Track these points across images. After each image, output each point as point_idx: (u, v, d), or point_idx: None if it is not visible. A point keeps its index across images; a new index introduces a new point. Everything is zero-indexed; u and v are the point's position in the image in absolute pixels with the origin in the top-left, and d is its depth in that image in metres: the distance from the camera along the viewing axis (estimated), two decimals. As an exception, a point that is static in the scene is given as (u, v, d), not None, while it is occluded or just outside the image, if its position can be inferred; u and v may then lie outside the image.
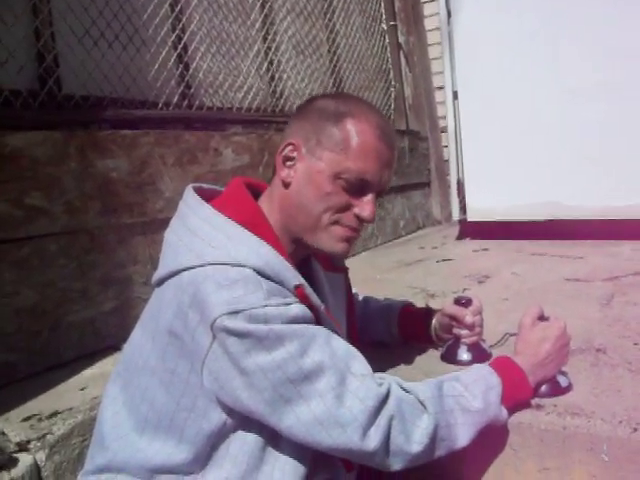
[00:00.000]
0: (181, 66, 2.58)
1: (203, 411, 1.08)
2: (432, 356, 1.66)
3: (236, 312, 1.02)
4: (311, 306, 1.14)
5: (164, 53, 2.45)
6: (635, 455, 1.20)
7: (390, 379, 1.14)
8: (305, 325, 1.08)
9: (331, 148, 1.21)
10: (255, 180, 1.36)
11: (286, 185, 1.24)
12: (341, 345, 1.12)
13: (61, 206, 1.88)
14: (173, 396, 1.09)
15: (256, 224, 1.18)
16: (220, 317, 1.02)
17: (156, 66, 2.40)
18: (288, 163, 1.24)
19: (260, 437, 1.10)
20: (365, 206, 1.23)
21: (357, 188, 1.22)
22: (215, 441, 1.10)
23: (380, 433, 1.06)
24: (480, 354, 1.60)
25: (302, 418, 1.04)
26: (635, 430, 1.21)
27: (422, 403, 1.12)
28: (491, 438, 1.28)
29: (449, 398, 1.16)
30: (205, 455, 1.10)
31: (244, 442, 1.10)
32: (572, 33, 3.27)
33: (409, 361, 1.66)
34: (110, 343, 1.98)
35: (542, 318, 1.41)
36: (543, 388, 1.34)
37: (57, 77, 2.05)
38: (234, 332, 1.02)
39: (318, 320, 1.15)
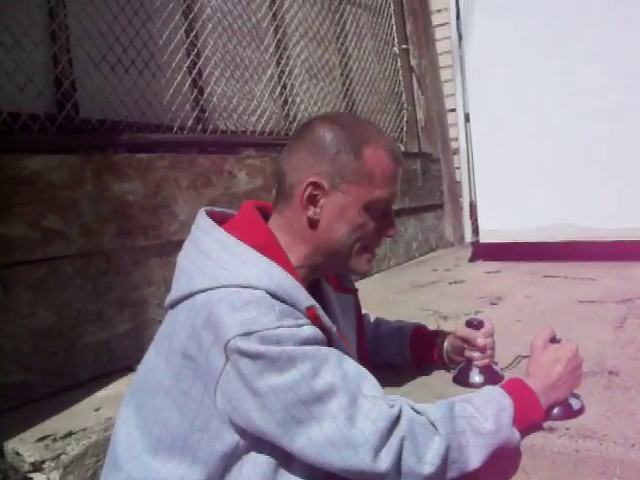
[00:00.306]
0: (196, 90, 2.62)
1: (216, 432, 1.09)
2: (444, 378, 1.66)
3: (249, 333, 1.03)
4: (322, 327, 1.15)
5: (179, 78, 2.49)
6: (648, 478, 1.20)
7: (401, 400, 1.15)
8: (317, 347, 1.09)
9: (356, 181, 1.24)
10: (266, 203, 1.37)
11: (314, 223, 1.25)
12: (352, 366, 1.13)
13: (77, 228, 1.91)
14: (187, 417, 1.10)
15: (268, 247, 1.20)
16: (234, 338, 1.03)
17: (171, 91, 2.44)
18: (312, 201, 1.25)
19: (272, 458, 1.11)
20: (392, 226, 1.32)
21: (384, 212, 1.28)
22: (228, 462, 1.10)
23: (392, 454, 1.06)
24: (492, 376, 1.60)
25: (314, 439, 1.04)
26: (648, 453, 1.21)
27: (433, 424, 1.12)
28: (503, 461, 1.28)
29: (461, 419, 1.16)
30: (218, 476, 1.11)
31: (256, 464, 1.10)
32: (585, 55, 3.29)
33: (421, 383, 1.66)
34: (125, 364, 2.00)
35: (554, 340, 1.41)
36: (555, 410, 1.34)
37: (74, 101, 2.10)
38: (247, 353, 1.03)
39: (330, 341, 1.16)
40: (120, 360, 2.01)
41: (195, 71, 2.61)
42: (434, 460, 1.09)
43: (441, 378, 1.67)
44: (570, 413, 1.37)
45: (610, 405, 1.43)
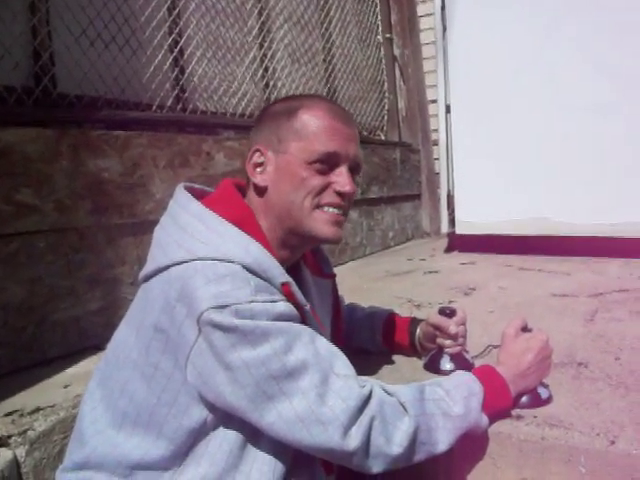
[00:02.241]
0: (177, 70, 2.59)
1: (184, 407, 1.09)
2: (415, 365, 1.67)
3: (223, 306, 1.03)
4: (297, 305, 1.15)
5: (160, 56, 2.46)
6: (612, 467, 1.21)
7: (372, 381, 1.15)
8: (290, 323, 1.09)
9: (293, 139, 1.24)
10: (245, 182, 1.37)
11: (263, 189, 1.26)
12: (325, 345, 1.13)
13: (51, 204, 1.88)
14: (154, 391, 1.10)
15: (246, 223, 1.20)
16: (207, 310, 1.02)
17: (152, 69, 2.41)
18: (258, 169, 1.26)
19: (240, 435, 1.11)
20: (340, 179, 1.26)
21: (329, 166, 1.25)
22: (194, 438, 1.10)
23: (361, 433, 1.06)
24: (463, 364, 1.61)
25: (284, 415, 1.04)
26: (612, 443, 1.22)
27: (403, 405, 1.13)
28: (470, 446, 1.29)
29: (430, 402, 1.16)
30: (183, 452, 1.11)
31: (223, 440, 1.10)
32: (567, 49, 3.31)
33: (392, 369, 1.67)
34: (95, 342, 1.98)
35: (525, 330, 1.42)
36: (524, 399, 1.36)
37: (52, 75, 2.06)
38: (220, 326, 1.02)
39: (303, 319, 1.16)
40: (90, 338, 1.99)
41: (177, 50, 2.58)
42: (402, 441, 1.10)
43: (412, 364, 1.68)
44: (538, 402, 1.38)
45: (577, 395, 1.45)
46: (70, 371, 1.78)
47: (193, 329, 1.04)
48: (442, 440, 1.16)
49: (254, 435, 1.10)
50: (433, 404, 1.17)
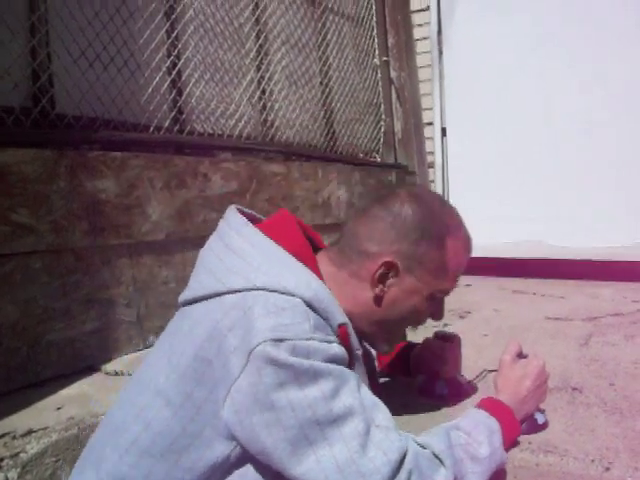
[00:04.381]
0: (174, 91, 2.60)
1: (209, 441, 1.05)
2: (410, 390, 1.67)
3: (281, 340, 1.00)
4: (349, 348, 1.12)
5: (158, 78, 2.47)
6: (607, 495, 1.21)
7: (405, 434, 1.11)
8: (341, 367, 1.06)
9: (432, 271, 1.24)
10: (301, 221, 1.32)
11: (375, 299, 1.24)
12: (368, 395, 1.11)
13: (48, 224, 1.88)
14: (180, 420, 1.05)
15: (305, 257, 1.17)
16: (264, 342, 0.99)
17: (149, 90, 2.42)
18: (382, 279, 1.24)
19: (261, 478, 1.07)
20: (439, 310, 1.34)
21: (440, 300, 1.31)
22: (212, 473, 1.06)
23: None
24: (457, 389, 1.61)
25: (322, 463, 1.00)
26: (607, 469, 1.22)
27: (438, 457, 1.09)
28: None
29: (457, 447, 1.13)
30: None
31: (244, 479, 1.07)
32: (562, 79, 3.34)
33: (386, 394, 1.66)
34: (89, 363, 1.97)
35: (521, 355, 1.42)
36: (522, 426, 1.36)
37: (51, 96, 2.07)
38: (274, 361, 0.99)
39: (351, 363, 1.14)
40: (85, 359, 1.98)
41: (175, 72, 2.59)
42: None
43: (407, 389, 1.68)
44: (535, 427, 1.39)
45: (572, 421, 1.45)
46: (64, 393, 1.77)
47: (241, 361, 1.00)
48: None
49: (276, 478, 1.06)
50: (460, 449, 1.14)
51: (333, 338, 1.09)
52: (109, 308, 2.08)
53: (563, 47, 3.34)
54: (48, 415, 1.59)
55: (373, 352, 1.65)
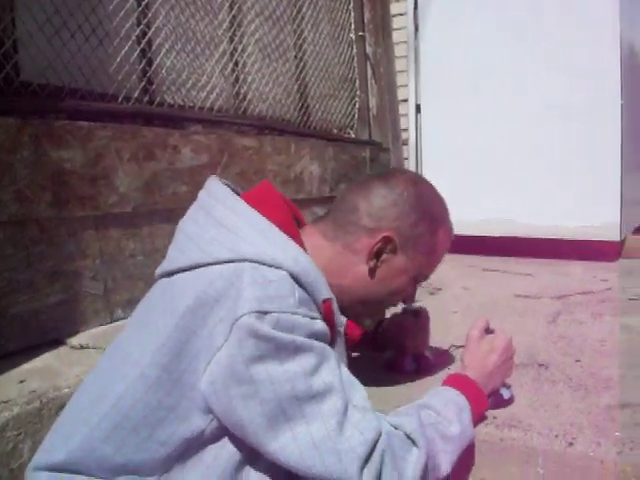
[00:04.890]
0: (144, 61, 2.54)
1: (184, 413, 1.03)
2: (378, 365, 1.67)
3: (265, 312, 0.99)
4: (332, 325, 1.12)
5: (127, 47, 2.41)
6: (569, 469, 1.23)
7: (378, 414, 1.11)
8: (323, 344, 1.06)
9: (423, 253, 1.28)
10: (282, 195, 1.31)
11: (369, 272, 1.26)
12: (347, 374, 1.10)
13: (11, 194, 1.83)
14: (155, 393, 1.03)
15: (290, 230, 1.16)
16: (248, 314, 0.98)
17: (118, 59, 2.37)
18: (377, 253, 1.25)
19: (237, 454, 1.06)
20: (412, 298, 1.40)
21: (417, 285, 1.34)
22: (186, 447, 1.05)
23: (374, 468, 1.02)
24: (425, 364, 1.61)
25: (299, 439, 0.99)
26: (571, 444, 1.23)
27: (410, 437, 1.09)
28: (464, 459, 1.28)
29: (428, 427, 1.13)
30: (172, 459, 1.05)
31: (218, 455, 1.05)
32: (536, 54, 3.34)
33: (353, 369, 1.66)
34: (54, 336, 1.94)
35: (488, 331, 1.42)
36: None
37: (15, 63, 2.01)
38: (256, 334, 0.98)
39: (333, 340, 1.13)
40: (50, 332, 1.94)
41: (144, 41, 2.53)
42: (415, 473, 1.06)
43: (374, 364, 1.67)
44: (501, 402, 1.39)
45: (537, 396, 1.46)
46: (27, 366, 1.74)
47: (225, 332, 0.99)
48: (444, 462, 1.13)
49: (251, 457, 1.05)
50: (431, 428, 1.13)
51: (317, 314, 1.08)
52: (75, 281, 2.04)
53: (537, 29, 3.33)
54: (10, 388, 1.56)
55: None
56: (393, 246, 1.24)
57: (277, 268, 1.05)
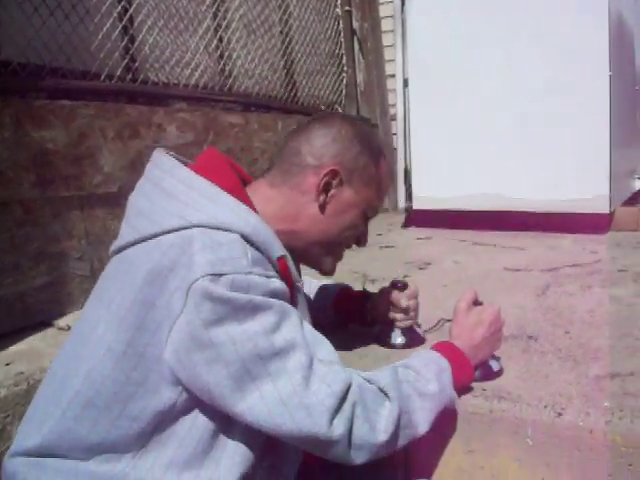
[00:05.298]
0: (126, 38, 2.51)
1: (154, 387, 1.02)
2: (366, 339, 1.66)
3: (219, 275, 0.98)
4: (289, 281, 1.12)
5: (109, 24, 2.38)
6: (558, 439, 1.22)
7: (350, 369, 1.11)
8: (282, 302, 1.05)
9: (368, 185, 1.29)
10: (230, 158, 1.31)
11: (319, 209, 1.26)
12: (310, 330, 1.11)
13: (-7, 175, 1.81)
14: (123, 369, 1.02)
15: (239, 194, 1.15)
16: (202, 278, 0.97)
17: (100, 37, 2.33)
18: (325, 189, 1.25)
19: (211, 423, 1.05)
20: (365, 236, 1.38)
21: (367, 222, 1.35)
22: (160, 421, 1.04)
23: (345, 419, 1.02)
24: (414, 338, 1.61)
25: (266, 397, 0.99)
26: (559, 415, 1.23)
27: (383, 390, 1.10)
28: (443, 424, 1.28)
29: (404, 384, 1.13)
30: (147, 433, 1.05)
31: (193, 426, 1.05)
32: (523, 25, 3.31)
33: (343, 343, 1.65)
34: (41, 318, 1.93)
35: (477, 303, 1.42)
36: (476, 372, 1.35)
37: (-7, 42, 1.98)
38: (211, 297, 0.97)
39: (292, 297, 1.13)
40: (37, 314, 1.93)
41: (126, 18, 2.50)
42: (387, 427, 1.06)
43: (364, 339, 1.67)
44: (490, 374, 1.39)
45: (527, 368, 1.45)
46: (13, 349, 1.73)
47: (181, 299, 0.98)
48: (422, 421, 1.13)
49: (226, 423, 1.05)
50: (408, 385, 1.14)
51: (273, 273, 1.08)
52: (61, 262, 2.03)
53: (526, 6, 3.30)
54: (-4, 370, 1.56)
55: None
56: (339, 179, 1.25)
57: (227, 231, 1.05)
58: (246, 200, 1.17)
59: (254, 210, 1.16)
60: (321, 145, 1.26)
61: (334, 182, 1.25)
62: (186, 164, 1.20)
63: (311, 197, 1.25)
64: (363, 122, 1.40)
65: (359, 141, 1.27)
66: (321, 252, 1.31)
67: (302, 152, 1.26)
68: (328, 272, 1.36)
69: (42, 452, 1.06)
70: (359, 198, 1.28)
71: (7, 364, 1.60)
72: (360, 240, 1.37)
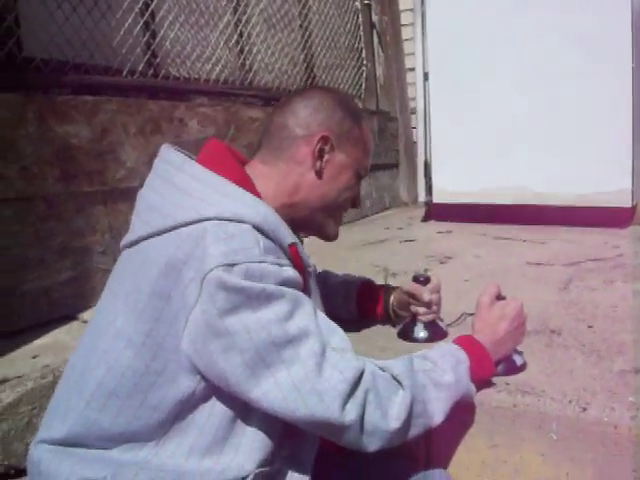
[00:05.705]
0: (148, 34, 2.52)
1: (173, 376, 1.05)
2: (389, 333, 1.66)
3: (232, 264, 1.00)
4: (301, 268, 1.14)
5: (130, 20, 2.39)
6: (583, 434, 1.22)
7: (363, 357, 1.12)
8: (295, 290, 1.07)
9: (356, 147, 1.34)
10: (229, 146, 1.34)
11: (316, 175, 1.29)
12: (323, 318, 1.12)
13: (17, 171, 1.83)
14: (143, 359, 1.05)
15: (245, 184, 1.17)
16: (216, 268, 0.99)
17: (122, 32, 2.35)
18: (319, 155, 1.29)
19: (230, 410, 1.07)
20: (359, 198, 1.44)
21: (359, 182, 1.40)
22: (180, 409, 1.06)
23: (357, 405, 1.03)
24: (437, 332, 1.60)
25: (281, 383, 1.01)
26: (584, 410, 1.22)
27: (396, 378, 1.10)
28: (460, 416, 1.28)
29: (420, 373, 1.14)
30: (168, 422, 1.07)
31: (211, 413, 1.07)
32: (545, 18, 3.28)
33: (365, 337, 1.66)
34: (65, 312, 1.95)
35: (499, 297, 1.41)
36: (499, 366, 1.35)
37: (17, 38, 1.99)
38: (225, 286, 0.99)
39: (305, 282, 1.14)
40: (60, 308, 1.95)
41: (148, 13, 2.51)
42: (399, 414, 1.07)
43: (386, 333, 1.67)
44: (513, 369, 1.38)
45: (550, 363, 1.45)
46: (39, 342, 1.75)
47: (196, 290, 1.00)
48: (437, 411, 1.13)
49: (244, 410, 1.07)
50: (424, 375, 1.14)
51: (285, 261, 1.09)
52: (85, 256, 2.05)
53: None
54: (23, 364, 1.58)
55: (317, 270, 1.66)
56: (330, 144, 1.29)
57: (239, 222, 1.06)
58: (252, 188, 1.20)
59: (259, 196, 1.18)
60: (306, 115, 1.29)
61: (326, 147, 1.28)
62: (192, 158, 1.22)
63: (307, 166, 1.28)
64: (339, 91, 1.46)
65: (340, 107, 1.31)
66: (323, 217, 1.35)
67: (289, 125, 1.29)
68: (333, 236, 1.41)
69: (67, 443, 1.09)
70: (350, 159, 1.33)
71: (33, 357, 1.62)
72: (355, 202, 1.42)
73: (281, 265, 1.06)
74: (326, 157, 1.29)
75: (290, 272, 1.07)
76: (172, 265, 1.02)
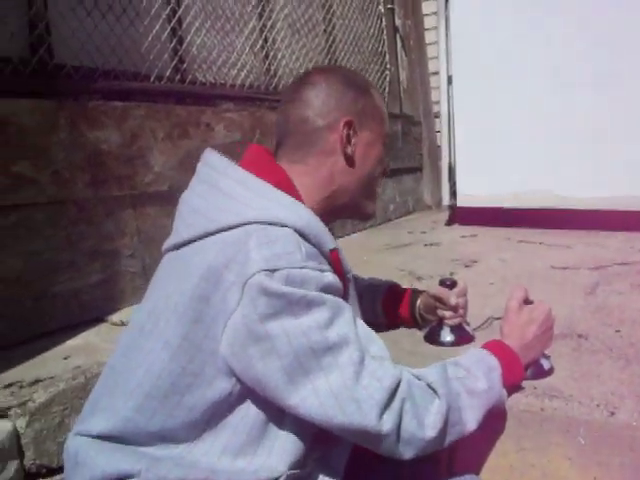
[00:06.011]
0: (175, 40, 2.56)
1: (210, 378, 1.05)
2: (415, 337, 1.67)
3: (274, 270, 1.00)
4: (341, 273, 1.14)
5: (158, 26, 2.42)
6: (612, 438, 1.22)
7: (400, 365, 1.12)
8: (335, 297, 1.07)
9: (376, 119, 1.31)
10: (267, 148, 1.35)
11: (349, 161, 1.28)
12: (363, 326, 1.12)
13: (49, 176, 1.87)
14: (179, 361, 1.05)
15: (288, 188, 1.18)
16: (258, 273, 0.99)
17: (149, 39, 2.38)
18: (348, 140, 1.28)
19: (263, 413, 1.07)
20: (388, 165, 1.43)
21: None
22: (215, 410, 1.07)
23: (393, 415, 1.03)
24: (463, 336, 1.61)
25: (319, 390, 1.01)
26: (612, 414, 1.22)
27: (431, 387, 1.10)
28: (493, 422, 1.28)
29: (454, 381, 1.14)
30: (202, 423, 1.08)
31: (245, 415, 1.07)
32: (570, 23, 3.27)
33: (392, 341, 1.66)
34: (95, 314, 1.98)
35: (527, 301, 1.41)
36: (528, 371, 1.35)
37: (48, 46, 2.03)
38: (266, 291, 0.99)
39: (345, 287, 1.15)
40: (91, 311, 1.99)
41: (175, 20, 2.54)
42: (435, 423, 1.07)
43: (412, 336, 1.68)
44: (541, 373, 1.38)
45: (578, 367, 1.45)
46: (70, 343, 1.78)
47: (237, 294, 1.00)
48: (471, 419, 1.13)
49: (277, 413, 1.07)
50: (457, 382, 1.14)
51: (326, 267, 1.09)
52: (114, 259, 2.08)
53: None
54: (55, 365, 1.61)
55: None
56: (354, 127, 1.28)
57: (281, 226, 1.06)
58: (294, 191, 1.20)
59: (301, 198, 1.19)
60: (321, 103, 1.27)
61: (351, 132, 1.27)
62: (235, 160, 1.22)
63: (338, 154, 1.27)
64: (335, 67, 1.44)
65: (347, 85, 1.29)
66: (362, 198, 1.34)
67: (308, 118, 1.27)
68: (372, 214, 1.40)
69: (103, 437, 1.10)
70: (375, 134, 1.31)
71: (65, 358, 1.65)
72: (385, 171, 1.40)
73: (322, 271, 1.06)
74: (354, 140, 1.27)
75: (331, 278, 1.07)
76: (214, 269, 1.03)
